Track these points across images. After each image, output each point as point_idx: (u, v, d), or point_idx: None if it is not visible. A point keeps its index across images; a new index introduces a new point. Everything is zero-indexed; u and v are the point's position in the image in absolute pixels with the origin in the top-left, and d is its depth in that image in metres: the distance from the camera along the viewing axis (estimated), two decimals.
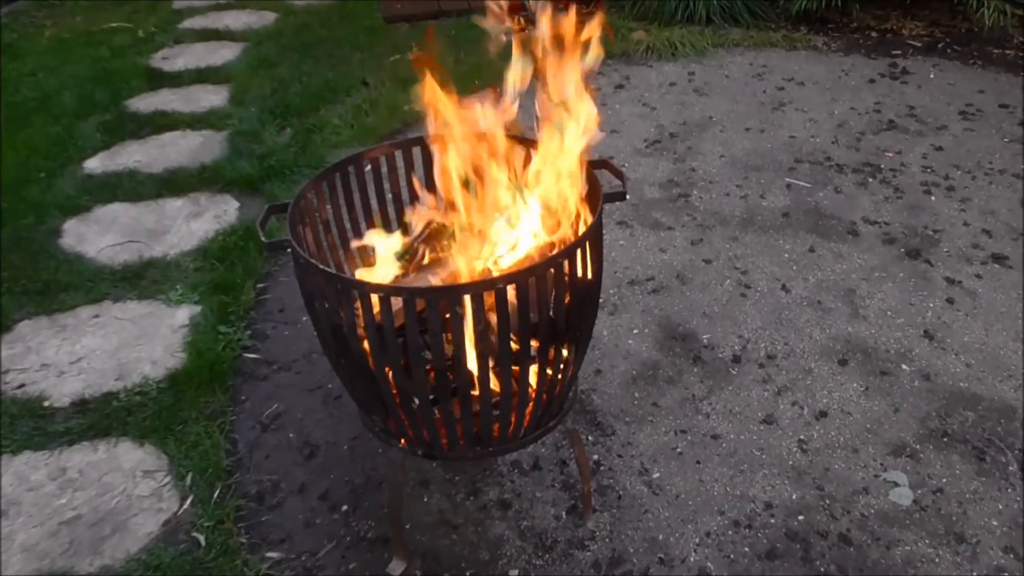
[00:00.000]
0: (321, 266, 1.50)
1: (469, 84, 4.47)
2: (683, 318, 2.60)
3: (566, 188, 1.73)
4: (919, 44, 4.58)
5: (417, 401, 1.58)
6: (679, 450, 2.14)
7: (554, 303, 1.54)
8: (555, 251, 1.71)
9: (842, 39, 4.70)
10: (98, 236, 3.15)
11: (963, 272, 2.74)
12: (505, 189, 1.79)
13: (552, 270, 1.49)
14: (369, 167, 1.94)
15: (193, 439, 2.18)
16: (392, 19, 5.30)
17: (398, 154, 1.99)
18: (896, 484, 2.00)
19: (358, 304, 1.49)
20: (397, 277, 1.82)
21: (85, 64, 4.80)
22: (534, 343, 1.59)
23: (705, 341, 2.51)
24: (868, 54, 4.49)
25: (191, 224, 3.22)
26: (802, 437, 2.16)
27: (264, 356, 2.54)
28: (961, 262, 2.79)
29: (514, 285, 1.44)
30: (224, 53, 4.95)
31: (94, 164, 3.69)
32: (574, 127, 1.74)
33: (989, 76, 4.15)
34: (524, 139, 1.85)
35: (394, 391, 1.57)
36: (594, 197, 1.66)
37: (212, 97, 4.34)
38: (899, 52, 4.49)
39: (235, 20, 5.52)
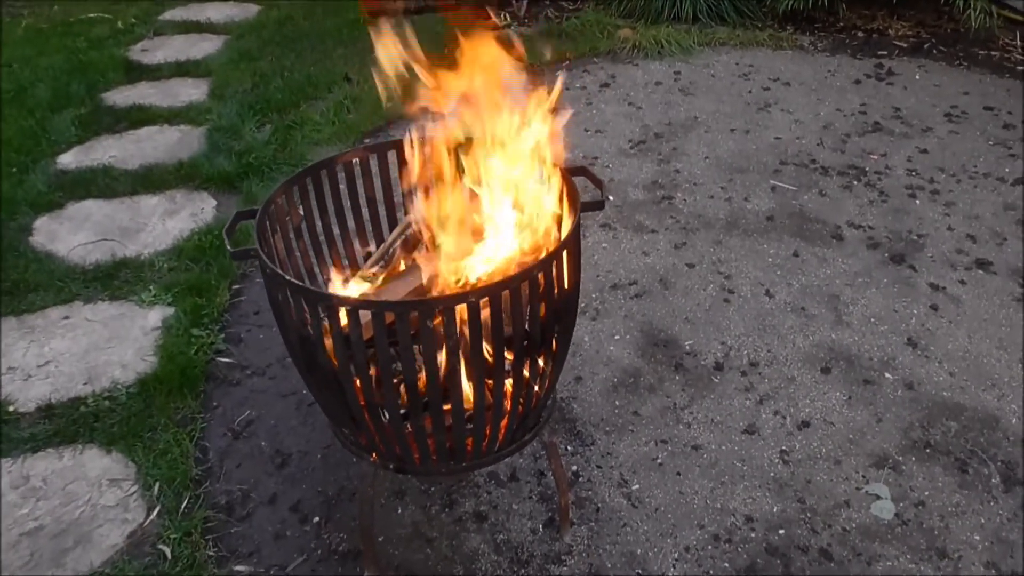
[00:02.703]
0: (288, 277, 1.45)
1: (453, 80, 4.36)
2: (665, 324, 2.57)
3: (542, 195, 1.68)
4: (905, 45, 4.55)
5: (387, 415, 1.53)
6: (659, 461, 2.10)
7: (529, 315, 1.50)
8: (531, 261, 1.67)
9: (828, 39, 4.68)
10: (70, 234, 3.08)
11: (947, 278, 2.72)
12: (479, 196, 1.75)
13: (527, 282, 1.44)
14: (343, 171, 1.89)
15: (162, 447, 2.13)
16: (374, 13, 5.22)
17: (372, 158, 1.94)
18: (878, 497, 1.97)
19: (326, 316, 1.44)
20: (373, 285, 1.78)
21: (61, 55, 4.71)
22: (509, 355, 1.55)
23: (688, 348, 2.47)
24: (854, 54, 4.46)
25: (166, 223, 3.15)
26: (784, 448, 2.13)
27: (238, 360, 2.48)
28: (945, 268, 2.77)
29: (487, 299, 1.39)
30: (205, 46, 4.86)
31: (68, 159, 3.61)
32: (543, 131, 1.69)
33: (974, 77, 4.14)
34: (497, 143, 1.80)
35: (363, 405, 1.52)
36: (571, 206, 1.62)
37: (191, 91, 4.27)
38: (885, 52, 4.46)
39: (217, 12, 5.43)
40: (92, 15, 5.38)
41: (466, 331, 1.42)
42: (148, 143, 3.74)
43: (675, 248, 2.92)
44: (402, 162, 1.84)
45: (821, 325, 2.54)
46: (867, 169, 3.35)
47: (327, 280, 1.91)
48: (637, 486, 2.03)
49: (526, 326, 1.50)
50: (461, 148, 1.71)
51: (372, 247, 2.03)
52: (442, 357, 1.46)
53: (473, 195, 1.75)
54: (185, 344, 2.50)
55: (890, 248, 2.88)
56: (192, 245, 2.97)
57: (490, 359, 1.51)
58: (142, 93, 4.25)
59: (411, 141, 1.77)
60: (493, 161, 1.68)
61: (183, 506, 1.97)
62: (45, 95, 4.16)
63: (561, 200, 1.65)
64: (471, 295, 1.37)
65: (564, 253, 1.51)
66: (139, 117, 3.96)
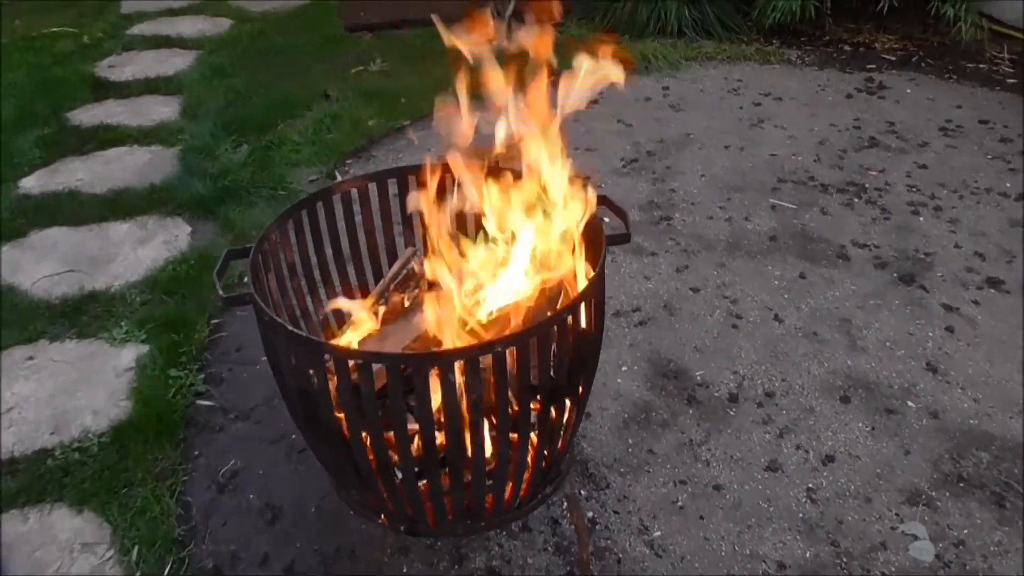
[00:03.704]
0: (290, 327, 1.30)
1: (432, 97, 4.26)
2: (674, 353, 2.44)
3: (562, 228, 1.55)
4: (893, 58, 4.51)
5: (400, 475, 1.38)
6: (680, 504, 1.97)
7: (555, 362, 1.36)
8: (550, 297, 1.53)
9: (816, 53, 4.62)
10: (34, 265, 2.88)
11: (960, 298, 2.63)
12: (494, 227, 1.61)
13: (555, 327, 1.31)
14: (340, 202, 1.74)
15: (140, 504, 1.94)
16: (354, 28, 5.08)
17: (372, 187, 1.79)
18: (916, 537, 1.86)
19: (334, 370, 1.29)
20: (374, 326, 1.62)
21: (23, 71, 4.49)
22: (533, 405, 1.41)
23: (699, 378, 2.35)
24: (843, 68, 4.41)
25: (138, 251, 2.96)
26: (810, 485, 2.01)
27: (220, 403, 2.31)
28: (957, 287, 2.68)
29: (514, 348, 1.25)
30: (176, 62, 4.67)
31: (31, 183, 3.40)
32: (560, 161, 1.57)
33: (965, 91, 4.09)
34: (510, 169, 1.67)
35: (374, 464, 1.37)
36: (595, 240, 1.49)
37: (163, 109, 4.07)
38: (874, 66, 4.41)
39: (188, 27, 5.23)
40: (56, 29, 5.15)
41: (491, 381, 1.28)
42: (117, 165, 3.55)
43: (677, 272, 2.80)
44: (406, 189, 1.70)
45: (835, 351, 2.44)
46: (867, 186, 3.27)
47: (323, 319, 1.76)
48: (659, 532, 1.90)
49: (552, 372, 1.36)
50: (478, 175, 1.58)
51: (369, 280, 1.89)
52: (463, 410, 1.32)
53: (487, 223, 1.62)
54: (162, 387, 2.32)
55: (898, 268, 2.78)
56: (167, 276, 2.79)
57: (515, 409, 1.37)
58: (110, 111, 4.05)
59: (428, 167, 1.62)
60: (512, 191, 1.55)
61: (166, 572, 1.79)
62: (7, 114, 3.94)
63: (585, 233, 1.52)
64: (498, 344, 1.23)
65: (592, 293, 1.38)
66: (107, 137, 3.76)
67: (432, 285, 1.66)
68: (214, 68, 4.51)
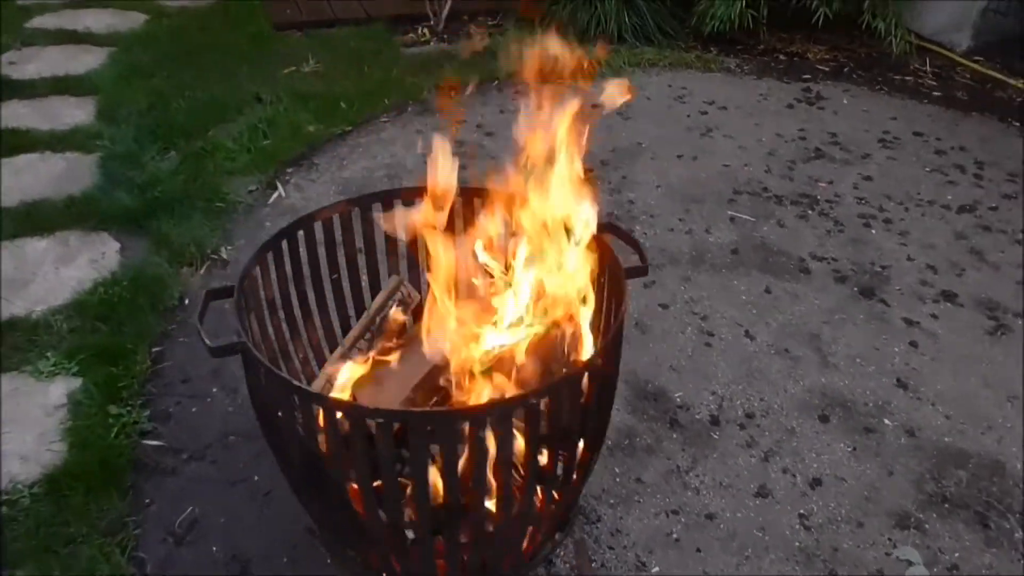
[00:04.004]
0: (295, 382, 1.15)
1: (378, 100, 4.06)
2: (651, 373, 2.38)
3: (572, 257, 1.45)
4: (827, 68, 4.61)
5: (413, 535, 1.25)
6: (675, 535, 1.90)
7: (582, 410, 1.26)
8: (556, 332, 1.43)
9: (753, 61, 4.67)
10: None
11: (918, 312, 2.68)
12: (497, 255, 1.50)
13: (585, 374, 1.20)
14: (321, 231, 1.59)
15: (86, 565, 1.73)
16: (282, 26, 4.82)
17: (355, 212, 1.65)
18: (910, 563, 1.85)
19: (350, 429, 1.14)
20: (367, 366, 1.48)
21: None
22: (546, 454, 1.30)
23: (679, 400, 2.29)
24: (780, 77, 4.47)
25: (60, 271, 2.69)
26: (802, 511, 1.98)
27: (169, 442, 2.10)
28: (914, 301, 2.73)
29: (547, 399, 1.14)
30: (86, 59, 4.30)
31: None
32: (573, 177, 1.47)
33: (896, 102, 4.21)
34: (510, 192, 1.56)
35: (386, 524, 1.23)
36: (614, 275, 1.39)
37: (75, 112, 3.74)
38: (809, 76, 4.49)
39: (96, 21, 4.84)
40: None
41: (519, 435, 1.17)
42: (29, 174, 3.23)
43: (644, 287, 2.74)
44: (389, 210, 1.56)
45: (808, 368, 2.43)
46: (818, 197, 3.30)
47: (303, 359, 1.60)
48: (656, 569, 1.82)
49: (575, 420, 1.26)
50: (483, 197, 1.46)
51: (351, 313, 1.74)
52: (489, 464, 1.20)
53: (488, 252, 1.50)
54: (101, 426, 2.09)
55: (857, 281, 2.81)
56: (96, 299, 2.53)
57: (546, 460, 1.26)
58: (15, 113, 3.69)
59: (423, 191, 1.49)
60: (520, 213, 1.44)
61: None
62: None
63: (602, 268, 1.42)
64: (532, 397, 1.12)
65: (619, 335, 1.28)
66: (15, 143, 3.42)
67: (421, 316, 1.54)
68: (131, 67, 4.18)
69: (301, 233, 1.58)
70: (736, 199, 3.27)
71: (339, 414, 1.12)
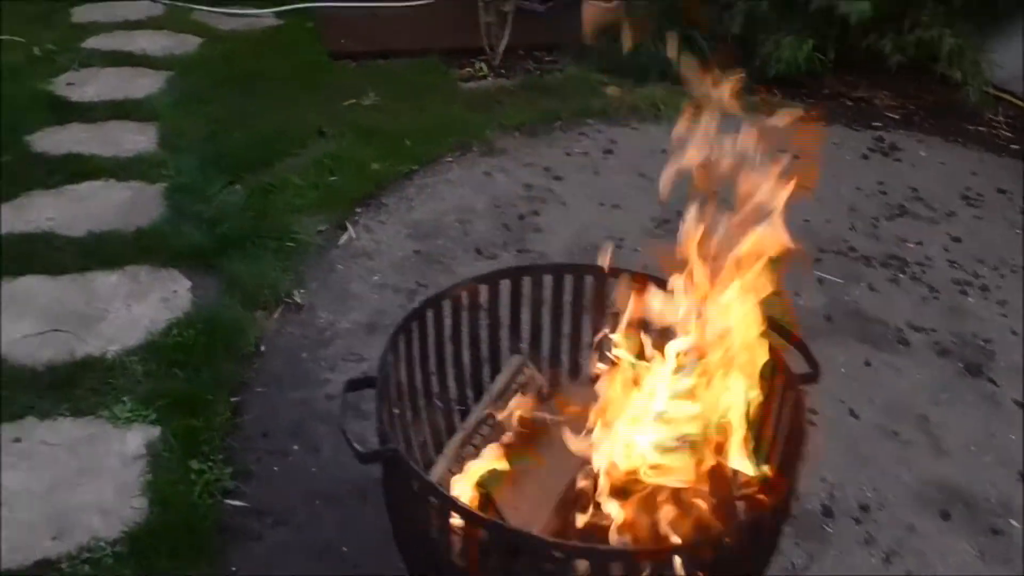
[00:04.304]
0: (466, 506, 1.02)
1: (441, 138, 3.94)
2: None
3: (739, 363, 1.33)
4: (897, 116, 4.48)
5: None
6: None
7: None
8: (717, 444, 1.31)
9: (819, 106, 4.55)
10: (11, 322, 2.47)
11: None
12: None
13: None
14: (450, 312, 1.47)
15: None
16: (339, 55, 4.73)
17: (483, 289, 1.53)
18: None
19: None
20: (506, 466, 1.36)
21: None
22: None
23: None
24: (850, 124, 4.35)
25: (132, 308, 2.58)
26: None
27: (252, 504, 1.98)
28: None
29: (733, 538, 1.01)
30: (144, 83, 4.21)
31: None
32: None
33: (973, 155, 4.08)
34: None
35: None
36: (789, 384, 1.26)
37: (137, 138, 3.65)
38: (879, 124, 4.37)
39: (151, 43, 4.75)
40: (3, 37, 4.62)
41: None
42: (93, 203, 3.13)
43: None
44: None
45: (920, 454, 2.29)
46: (908, 260, 3.16)
47: (421, 443, 1.48)
48: None
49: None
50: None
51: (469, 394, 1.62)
52: None
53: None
54: (183, 482, 1.98)
55: (961, 355, 2.67)
56: (172, 342, 2.42)
57: None
58: (76, 138, 3.60)
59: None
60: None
61: None
62: None
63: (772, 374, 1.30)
64: (724, 536, 0.99)
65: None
66: (78, 169, 3.32)
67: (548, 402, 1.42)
68: (189, 93, 4.09)
69: (430, 313, 1.46)
70: (822, 259, 3.13)
71: (519, 541, 1.00)
